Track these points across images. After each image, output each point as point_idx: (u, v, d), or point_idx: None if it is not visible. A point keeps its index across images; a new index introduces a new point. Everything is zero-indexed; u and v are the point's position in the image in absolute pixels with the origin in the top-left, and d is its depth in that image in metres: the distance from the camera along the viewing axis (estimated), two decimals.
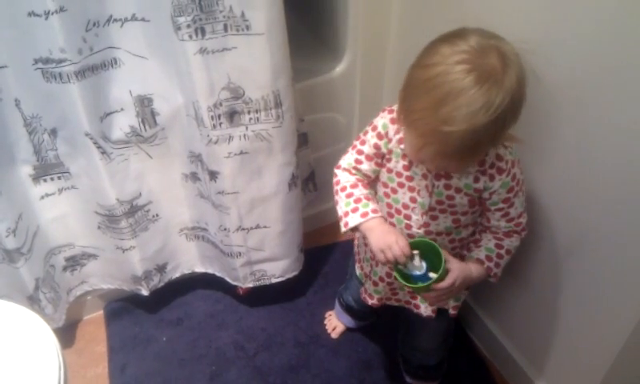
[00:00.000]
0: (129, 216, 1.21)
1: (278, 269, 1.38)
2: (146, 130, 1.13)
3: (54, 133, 1.09)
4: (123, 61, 1.05)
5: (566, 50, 0.86)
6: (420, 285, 0.86)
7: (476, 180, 0.86)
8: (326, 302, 1.47)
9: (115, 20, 1.00)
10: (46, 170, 1.14)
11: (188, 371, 1.34)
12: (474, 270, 0.91)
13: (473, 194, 0.88)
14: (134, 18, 1.00)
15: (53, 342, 0.87)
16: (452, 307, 1.05)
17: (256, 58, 1.03)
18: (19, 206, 1.14)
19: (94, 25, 0.98)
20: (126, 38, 1.02)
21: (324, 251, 1.59)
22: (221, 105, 1.07)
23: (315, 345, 1.39)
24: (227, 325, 1.44)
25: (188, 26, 0.96)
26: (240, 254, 1.31)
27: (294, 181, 1.24)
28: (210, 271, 1.44)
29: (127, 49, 1.04)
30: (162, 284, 1.41)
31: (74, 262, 1.32)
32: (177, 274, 1.43)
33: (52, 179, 1.16)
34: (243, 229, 1.27)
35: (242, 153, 1.15)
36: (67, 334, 1.41)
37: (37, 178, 1.15)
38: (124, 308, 1.47)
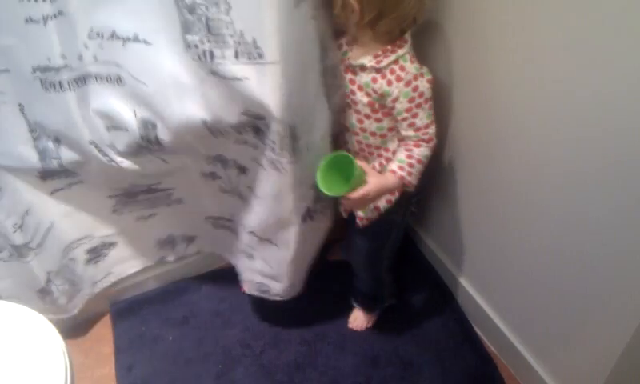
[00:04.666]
0: (147, 193, 1.19)
1: (281, 289, 1.32)
2: (153, 148, 1.06)
3: (57, 141, 1.07)
4: (126, 81, 0.98)
5: None
6: (334, 193, 0.99)
7: (374, 80, 0.99)
8: (331, 298, 1.47)
9: (118, 37, 0.93)
10: (52, 175, 1.14)
11: (195, 370, 1.34)
12: (389, 179, 1.03)
13: (372, 94, 1.00)
14: (135, 38, 0.93)
15: (59, 343, 0.87)
16: (359, 217, 1.16)
17: (270, 89, 0.89)
18: (25, 202, 1.13)
19: (98, 35, 0.94)
20: (127, 58, 0.95)
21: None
22: (244, 122, 0.97)
23: (321, 342, 1.38)
24: (233, 323, 1.44)
25: (196, 45, 0.87)
26: (251, 256, 1.28)
27: (309, 214, 1.14)
28: (233, 262, 1.41)
29: (129, 70, 0.97)
30: (190, 252, 1.38)
31: (95, 254, 1.31)
32: (206, 249, 1.39)
33: (59, 178, 1.15)
34: (256, 235, 1.22)
35: (271, 162, 1.03)
36: (74, 334, 1.41)
37: (45, 177, 1.14)
38: (130, 308, 1.47)
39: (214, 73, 0.89)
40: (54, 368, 0.83)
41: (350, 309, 1.43)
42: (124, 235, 1.29)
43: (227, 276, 1.45)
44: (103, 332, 1.44)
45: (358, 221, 1.17)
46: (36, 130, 1.06)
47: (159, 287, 1.50)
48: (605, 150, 0.86)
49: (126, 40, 0.94)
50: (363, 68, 1.00)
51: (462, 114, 1.20)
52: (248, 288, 1.37)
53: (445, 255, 1.50)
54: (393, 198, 1.12)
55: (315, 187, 1.02)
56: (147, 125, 1.02)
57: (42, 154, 1.08)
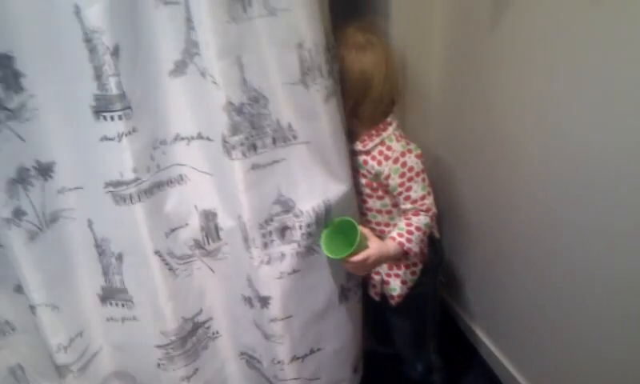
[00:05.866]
0: (192, 335, 1.16)
1: None
2: (209, 244, 1.10)
3: (120, 258, 1.08)
4: (189, 177, 1.05)
5: None
6: (336, 256, 1.01)
7: (365, 162, 1.10)
8: None
9: (182, 138, 1.02)
10: (112, 293, 1.12)
11: None
12: (390, 246, 1.06)
13: (367, 174, 1.10)
14: (199, 136, 1.02)
15: None
16: (389, 296, 1.18)
17: (305, 167, 1.01)
18: (81, 323, 1.12)
19: (162, 143, 1.00)
20: (192, 154, 1.03)
21: None
22: (272, 220, 1.03)
23: None
24: None
25: (242, 143, 0.96)
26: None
27: (344, 293, 1.15)
28: None
29: (193, 165, 1.04)
30: None
31: None
32: None
33: (117, 305, 1.13)
34: (298, 358, 1.16)
35: (294, 271, 1.07)
36: None
37: (104, 299, 1.13)
38: None
39: (255, 166, 0.97)
40: None
41: None
42: None
43: None
44: None
45: (390, 301, 1.18)
46: (101, 246, 1.07)
47: None
48: (622, 208, 0.87)
49: (190, 139, 1.03)
50: (354, 152, 1.10)
51: (469, 180, 1.29)
52: None
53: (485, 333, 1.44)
54: (417, 269, 1.17)
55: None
56: (208, 215, 1.08)
57: (106, 268, 1.09)
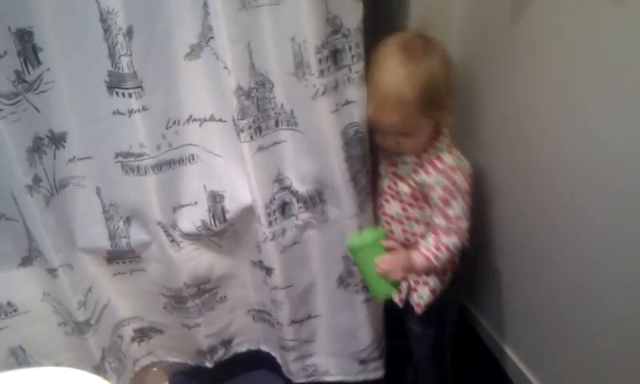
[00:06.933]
0: (195, 298, 1.22)
1: (331, 366, 1.32)
2: (215, 225, 1.14)
3: (128, 221, 1.13)
4: (200, 157, 1.09)
5: None
6: (355, 243, 1.03)
7: (415, 171, 1.05)
8: None
9: (195, 119, 1.05)
10: (120, 255, 1.18)
11: None
12: (415, 257, 1.04)
13: (413, 184, 1.05)
14: (212, 118, 1.06)
15: None
16: (415, 304, 1.14)
17: (301, 152, 1.06)
18: (90, 279, 1.17)
19: (175, 123, 1.04)
20: (204, 136, 1.07)
21: None
22: (274, 199, 1.09)
23: None
24: None
25: (249, 127, 1.00)
26: (293, 348, 1.28)
27: (342, 280, 1.19)
28: (273, 354, 1.41)
29: (204, 146, 1.08)
30: (227, 357, 1.39)
31: (141, 334, 1.33)
32: (243, 349, 1.41)
33: (124, 262, 1.20)
34: (295, 322, 1.24)
35: (294, 244, 1.14)
36: None
37: (110, 260, 1.19)
38: (188, 382, 1.46)
39: (260, 148, 1.03)
40: None
41: None
42: (170, 330, 1.32)
43: None
44: None
45: (416, 308, 1.15)
46: (109, 211, 1.12)
47: None
48: None
49: (203, 121, 1.07)
50: (405, 162, 1.06)
51: (506, 195, 1.24)
52: (296, 378, 1.34)
53: (499, 335, 1.43)
54: (446, 277, 1.14)
55: (348, 261, 1.12)
56: (215, 197, 1.12)
57: (113, 233, 1.14)
